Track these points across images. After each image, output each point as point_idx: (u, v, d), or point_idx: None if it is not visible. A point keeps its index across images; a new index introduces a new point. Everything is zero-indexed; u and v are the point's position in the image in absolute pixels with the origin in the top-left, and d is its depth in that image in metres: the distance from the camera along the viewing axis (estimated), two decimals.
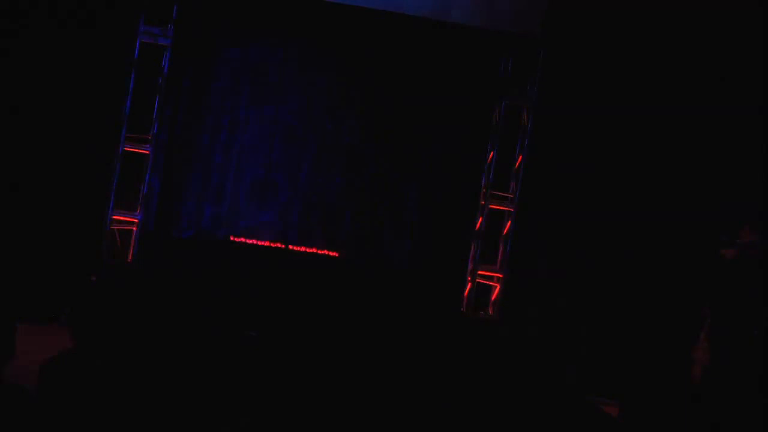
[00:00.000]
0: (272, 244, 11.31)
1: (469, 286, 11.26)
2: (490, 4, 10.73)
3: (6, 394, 4.78)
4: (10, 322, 5.18)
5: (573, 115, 11.06)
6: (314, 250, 11.36)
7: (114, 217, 10.76)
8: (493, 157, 11.28)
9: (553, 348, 10.67)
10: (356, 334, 9.89)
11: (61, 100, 10.34)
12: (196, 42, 11.13)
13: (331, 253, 11.42)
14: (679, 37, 10.86)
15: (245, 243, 11.23)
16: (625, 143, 11.02)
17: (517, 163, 11.26)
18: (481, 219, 11.28)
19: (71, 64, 10.33)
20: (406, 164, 11.57)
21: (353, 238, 11.54)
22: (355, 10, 10.71)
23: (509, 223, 11.26)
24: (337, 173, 11.49)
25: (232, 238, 11.25)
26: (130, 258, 10.84)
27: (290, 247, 11.35)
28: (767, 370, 8.01)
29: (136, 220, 10.84)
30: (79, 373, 5.38)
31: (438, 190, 11.56)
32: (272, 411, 6.55)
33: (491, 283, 11.31)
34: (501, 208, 11.29)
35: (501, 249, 11.29)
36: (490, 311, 11.27)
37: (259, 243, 11.27)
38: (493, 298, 11.28)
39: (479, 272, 11.26)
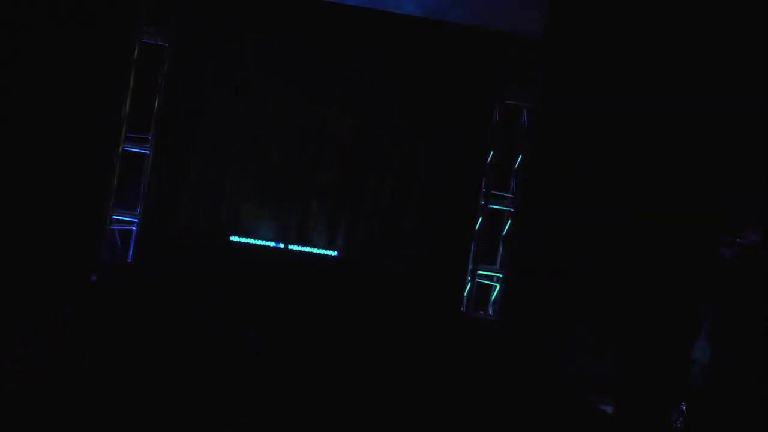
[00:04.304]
0: (272, 244, 11.31)
1: (469, 286, 11.26)
2: (491, 4, 10.73)
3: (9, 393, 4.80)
4: (12, 323, 5.19)
5: (573, 115, 11.05)
6: (314, 250, 11.37)
7: (114, 217, 10.76)
8: (493, 157, 11.28)
9: (553, 348, 10.68)
10: (356, 333, 9.90)
11: (61, 100, 10.34)
12: (196, 42, 11.12)
13: (331, 253, 11.42)
14: (679, 37, 10.86)
15: (245, 243, 11.23)
16: (625, 143, 11.01)
17: (517, 163, 11.26)
18: (481, 219, 11.27)
19: (71, 64, 10.33)
20: (406, 164, 11.57)
21: (353, 238, 11.54)
22: (355, 10, 10.71)
23: (509, 223, 11.25)
24: (336, 173, 11.49)
25: (231, 238, 11.25)
26: (130, 258, 10.84)
27: (290, 247, 11.35)
28: (767, 370, 8.01)
29: (136, 220, 10.84)
30: (78, 373, 5.39)
31: (438, 190, 11.55)
32: (272, 411, 6.56)
33: (491, 283, 11.31)
34: (501, 208, 11.28)
35: (501, 249, 11.29)
36: (490, 311, 11.27)
37: (259, 243, 11.27)
38: (493, 298, 11.28)
39: (479, 272, 11.25)
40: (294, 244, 11.38)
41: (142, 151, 10.86)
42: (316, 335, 9.49)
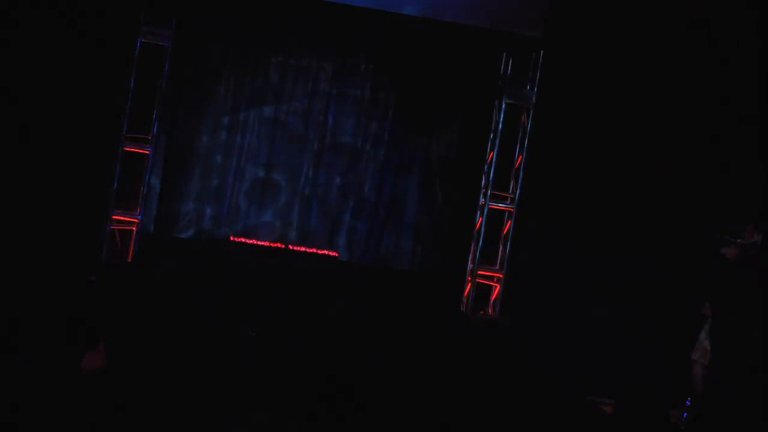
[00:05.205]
0: (272, 244, 11.31)
1: (469, 286, 11.26)
2: (491, 4, 10.73)
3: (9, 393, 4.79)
4: (12, 323, 5.19)
5: (573, 115, 11.06)
6: (314, 250, 11.37)
7: (114, 217, 10.76)
8: (493, 157, 11.28)
9: (553, 348, 10.67)
10: (356, 333, 9.90)
11: (61, 100, 10.34)
12: (196, 42, 11.13)
13: (331, 253, 11.42)
14: (679, 36, 10.87)
15: (245, 243, 11.23)
16: (625, 143, 11.02)
17: (517, 163, 11.26)
18: (481, 219, 11.27)
19: (71, 64, 10.33)
20: (406, 164, 11.58)
21: (353, 238, 11.54)
22: (355, 10, 10.72)
23: (509, 223, 11.26)
24: (337, 173, 11.50)
25: (232, 238, 11.25)
26: (130, 258, 10.83)
27: (290, 247, 11.36)
28: (767, 369, 8.01)
29: (136, 220, 10.84)
30: (79, 373, 5.38)
31: (438, 190, 11.56)
32: (272, 411, 6.56)
33: (491, 283, 11.31)
34: (501, 208, 11.28)
35: (501, 249, 11.29)
36: (490, 311, 11.27)
37: (259, 243, 11.27)
38: (493, 298, 11.28)
39: (479, 272, 11.25)
40: (294, 244, 11.38)
41: (142, 151, 10.86)
42: (316, 335, 9.49)
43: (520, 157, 11.24)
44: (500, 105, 11.24)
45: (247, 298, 10.25)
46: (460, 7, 10.73)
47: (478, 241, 11.28)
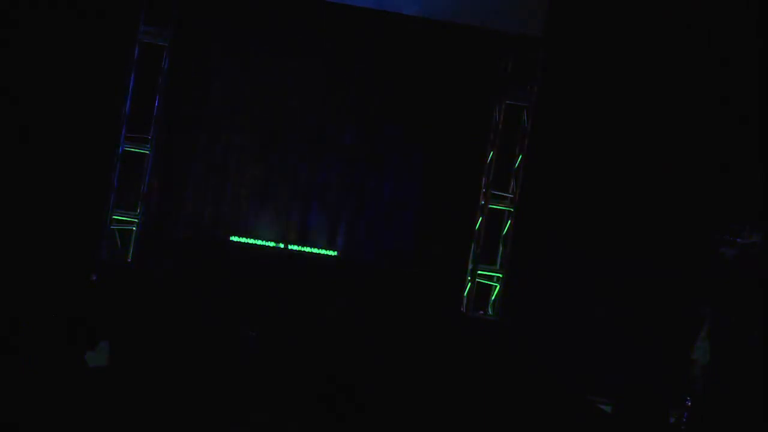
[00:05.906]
0: (272, 244, 11.31)
1: (469, 286, 11.26)
2: (491, 4, 10.73)
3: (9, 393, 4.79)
4: (11, 323, 5.19)
5: (573, 115, 11.06)
6: (314, 250, 11.37)
7: (114, 217, 10.77)
8: (493, 157, 11.28)
9: (553, 348, 10.68)
10: (356, 333, 9.90)
11: (62, 100, 10.34)
12: (196, 42, 11.13)
13: (331, 253, 11.42)
14: (679, 37, 10.87)
15: (245, 243, 11.23)
16: (625, 143, 11.02)
17: (517, 163, 11.26)
18: (481, 219, 11.27)
19: (71, 64, 10.33)
20: (406, 164, 11.57)
21: (353, 238, 11.54)
22: (355, 10, 10.71)
23: (509, 223, 11.26)
24: (336, 173, 11.49)
25: (231, 238, 11.25)
26: (130, 258, 10.84)
27: (290, 247, 11.35)
28: (767, 370, 8.02)
29: (136, 220, 10.84)
30: (80, 374, 5.39)
31: (438, 190, 11.55)
32: (271, 412, 6.55)
33: (491, 283, 11.31)
34: (501, 208, 11.28)
35: (501, 249, 11.29)
36: (490, 311, 11.27)
37: (259, 243, 11.27)
38: (493, 298, 11.28)
39: (479, 272, 11.25)
40: (294, 244, 11.38)
41: (142, 151, 10.86)
42: (316, 335, 9.49)
43: (520, 157, 11.24)
44: (500, 105, 11.24)
45: (247, 298, 10.25)
46: (460, 7, 10.73)
47: (478, 241, 11.28)
